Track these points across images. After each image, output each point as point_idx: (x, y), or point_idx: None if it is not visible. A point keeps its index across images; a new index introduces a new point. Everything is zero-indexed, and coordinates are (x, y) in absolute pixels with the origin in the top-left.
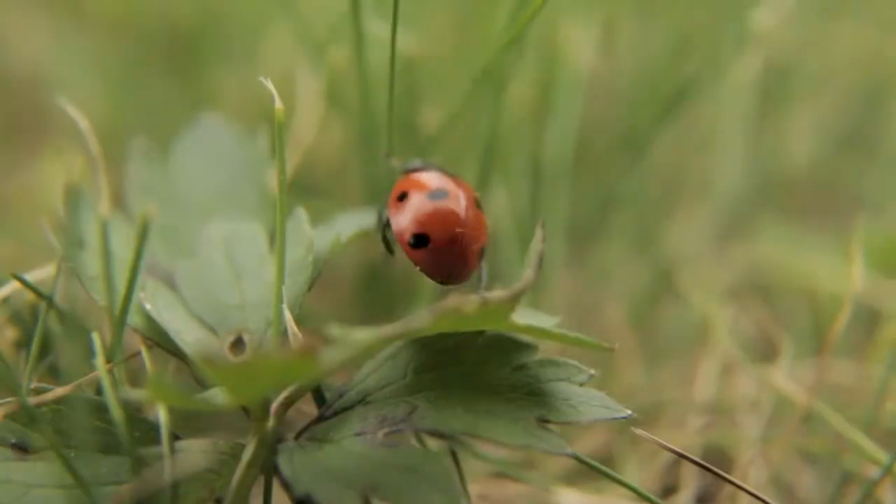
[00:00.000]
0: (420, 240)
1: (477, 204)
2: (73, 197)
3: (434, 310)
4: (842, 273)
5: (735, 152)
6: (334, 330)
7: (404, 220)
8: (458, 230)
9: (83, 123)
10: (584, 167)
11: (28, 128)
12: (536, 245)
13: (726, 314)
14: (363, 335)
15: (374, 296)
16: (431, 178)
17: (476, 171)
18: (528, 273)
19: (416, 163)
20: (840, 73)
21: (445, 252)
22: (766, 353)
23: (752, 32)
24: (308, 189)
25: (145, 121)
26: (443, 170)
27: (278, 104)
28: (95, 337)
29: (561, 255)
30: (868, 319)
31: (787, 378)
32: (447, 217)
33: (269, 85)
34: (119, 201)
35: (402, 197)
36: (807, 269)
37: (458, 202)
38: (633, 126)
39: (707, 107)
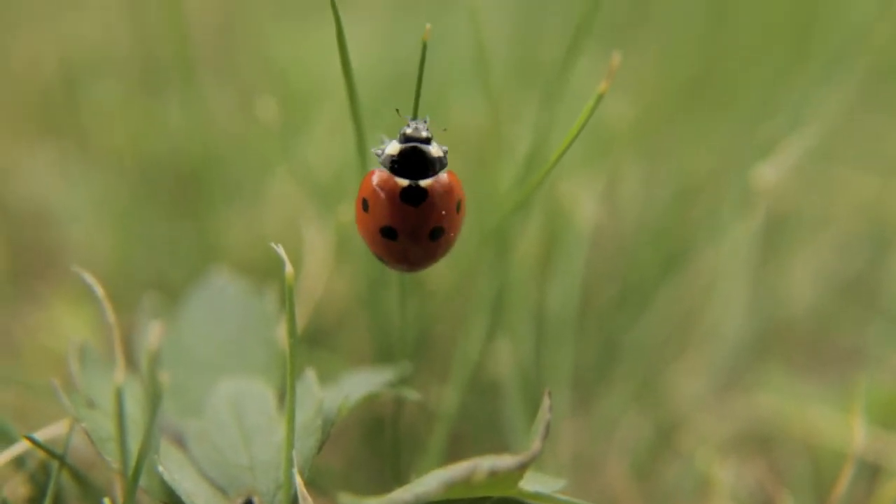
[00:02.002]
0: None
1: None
2: (83, 354)
3: (443, 477)
4: (843, 427)
5: (737, 301)
6: (344, 498)
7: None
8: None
9: (98, 290)
10: (589, 318)
11: (34, 264)
12: (543, 414)
13: (727, 469)
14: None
15: (381, 450)
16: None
17: (482, 325)
18: (535, 443)
19: (416, 131)
20: (842, 219)
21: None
22: None
23: (754, 188)
24: (315, 341)
25: (152, 260)
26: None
27: (289, 269)
28: (107, 501)
29: (565, 405)
30: (869, 474)
31: None
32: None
33: (280, 251)
34: (127, 350)
35: (365, 206)
36: (808, 421)
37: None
38: (636, 278)
39: (709, 253)
